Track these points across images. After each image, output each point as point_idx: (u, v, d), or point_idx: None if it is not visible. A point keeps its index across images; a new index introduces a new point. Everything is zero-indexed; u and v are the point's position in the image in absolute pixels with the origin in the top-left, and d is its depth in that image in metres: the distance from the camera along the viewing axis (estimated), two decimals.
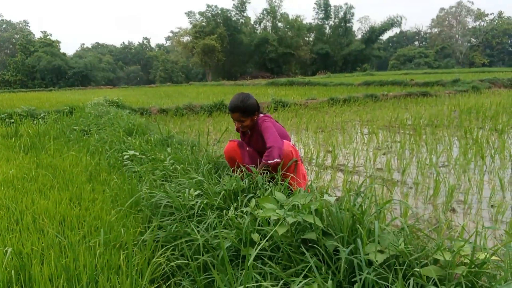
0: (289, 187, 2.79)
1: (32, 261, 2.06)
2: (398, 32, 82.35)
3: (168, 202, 2.64)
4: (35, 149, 5.32)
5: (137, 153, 4.24)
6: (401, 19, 61.59)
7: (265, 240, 1.84)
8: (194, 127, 8.01)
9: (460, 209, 3.28)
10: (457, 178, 4.02)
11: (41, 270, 1.96)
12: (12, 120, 8.45)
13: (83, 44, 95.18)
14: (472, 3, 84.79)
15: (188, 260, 2.09)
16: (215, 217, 2.31)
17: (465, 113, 8.40)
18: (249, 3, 61.94)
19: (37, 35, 68.88)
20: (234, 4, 61.20)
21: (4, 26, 75.61)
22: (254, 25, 64.49)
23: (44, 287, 1.85)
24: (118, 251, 2.21)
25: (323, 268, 1.73)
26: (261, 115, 3.27)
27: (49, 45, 61.54)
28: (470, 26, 76.84)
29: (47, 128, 7.16)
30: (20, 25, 76.50)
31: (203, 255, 2.06)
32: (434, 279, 1.50)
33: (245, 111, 3.10)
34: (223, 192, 2.60)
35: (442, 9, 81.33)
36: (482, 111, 8.51)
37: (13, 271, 1.94)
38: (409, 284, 1.50)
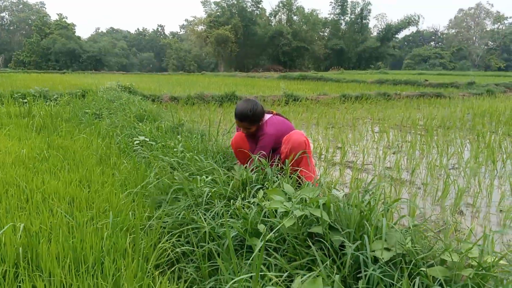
0: (298, 179, 2.80)
1: (40, 240, 2.09)
2: (414, 31, 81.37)
3: (177, 187, 2.65)
4: (47, 130, 5.38)
5: (147, 139, 4.26)
6: (419, 18, 60.85)
7: (272, 232, 1.85)
8: (205, 117, 8.02)
9: (468, 212, 3.25)
10: (466, 181, 3.98)
11: (48, 249, 1.98)
12: (26, 100, 8.53)
13: (98, 29, 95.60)
14: (492, 5, 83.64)
15: (193, 247, 2.10)
16: (222, 206, 2.32)
17: (478, 117, 8.29)
18: None
19: (53, 17, 69.44)
20: None
21: (20, 6, 76.16)
22: (269, 17, 64.16)
23: (51, 265, 1.88)
24: (125, 234, 2.23)
25: (328, 262, 1.73)
26: (268, 115, 3.26)
27: (65, 28, 61.92)
28: (488, 29, 75.71)
29: (59, 109, 7.22)
30: (37, 6, 77.08)
31: (208, 243, 2.07)
32: (440, 280, 1.49)
33: (253, 120, 3.11)
34: (232, 181, 2.60)
35: (460, 10, 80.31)
36: (496, 115, 8.39)
37: (21, 248, 1.97)
38: (414, 283, 1.49)
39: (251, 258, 1.71)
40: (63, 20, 64.70)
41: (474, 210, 3.28)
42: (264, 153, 3.04)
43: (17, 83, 14.71)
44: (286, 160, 2.85)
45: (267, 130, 3.14)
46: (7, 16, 75.63)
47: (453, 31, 80.00)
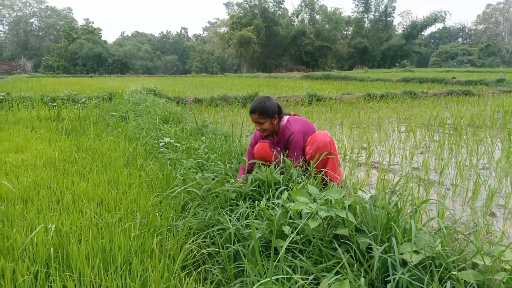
0: (323, 180, 2.78)
1: (70, 240, 2.15)
2: (441, 28, 79.45)
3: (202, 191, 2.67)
4: (76, 133, 5.52)
5: (172, 141, 4.32)
6: (445, 14, 59.29)
7: (295, 232, 1.83)
8: (228, 118, 8.06)
9: (500, 213, 3.15)
10: (498, 182, 3.85)
11: (78, 249, 2.03)
12: (55, 104, 8.79)
13: (123, 33, 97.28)
14: None
15: (219, 249, 2.11)
16: (247, 207, 2.33)
17: (509, 114, 8.03)
18: None
19: (80, 22, 71.28)
20: None
21: (48, 12, 78.41)
22: (291, 17, 63.86)
23: (81, 265, 1.92)
24: (152, 235, 2.26)
25: (355, 265, 1.70)
26: (287, 116, 3.21)
27: (91, 33, 63.44)
28: None
29: (87, 113, 7.40)
30: (64, 12, 79.20)
31: (233, 244, 2.07)
32: (472, 284, 1.45)
33: (263, 113, 3.06)
34: (258, 182, 2.60)
35: (489, 5, 78.02)
36: None
37: (52, 248, 2.02)
38: (445, 287, 1.45)
39: (277, 259, 1.71)
40: (90, 25, 66.31)
41: (506, 212, 3.17)
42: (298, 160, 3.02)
43: (46, 87, 15.17)
44: (311, 161, 2.83)
45: (294, 128, 3.10)
46: (36, 22, 78.05)
47: (481, 26, 77.81)
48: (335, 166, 2.99)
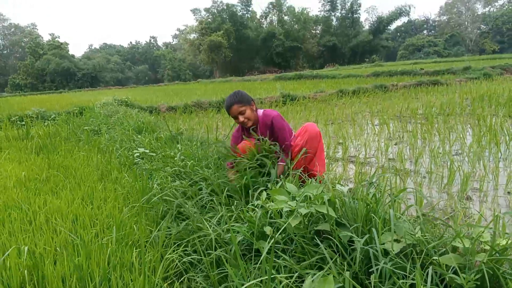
0: (307, 171, 2.84)
1: (45, 261, 2.06)
2: (406, 22, 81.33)
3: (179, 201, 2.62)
4: (47, 150, 5.36)
5: (147, 151, 4.23)
6: (410, 8, 60.88)
7: (278, 233, 1.81)
8: (203, 124, 8.00)
9: (476, 197, 3.21)
10: (471, 166, 3.94)
11: (54, 270, 1.95)
12: (23, 123, 8.53)
13: (91, 45, 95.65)
14: None
15: (201, 256, 2.07)
16: (226, 211, 2.29)
17: (477, 101, 8.25)
18: None
19: (46, 37, 69.91)
20: None
21: (12, 30, 76.39)
22: (260, 20, 64.27)
23: (57, 286, 1.85)
24: (131, 248, 2.19)
25: (338, 259, 1.69)
26: (261, 110, 3.26)
27: (58, 48, 62.12)
28: (479, 13, 75.54)
29: (57, 129, 7.21)
30: (28, 28, 77.32)
31: (215, 250, 2.03)
32: (453, 267, 1.46)
33: (241, 101, 3.11)
34: (235, 186, 2.57)
35: None
36: (495, 98, 8.34)
37: (26, 271, 1.94)
38: (427, 273, 1.45)
39: (260, 261, 1.68)
40: (56, 40, 64.91)
41: (481, 195, 3.24)
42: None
43: (14, 106, 14.70)
44: (291, 155, 2.87)
45: (272, 113, 3.16)
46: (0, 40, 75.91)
47: (445, 17, 79.92)
48: (324, 157, 3.06)
